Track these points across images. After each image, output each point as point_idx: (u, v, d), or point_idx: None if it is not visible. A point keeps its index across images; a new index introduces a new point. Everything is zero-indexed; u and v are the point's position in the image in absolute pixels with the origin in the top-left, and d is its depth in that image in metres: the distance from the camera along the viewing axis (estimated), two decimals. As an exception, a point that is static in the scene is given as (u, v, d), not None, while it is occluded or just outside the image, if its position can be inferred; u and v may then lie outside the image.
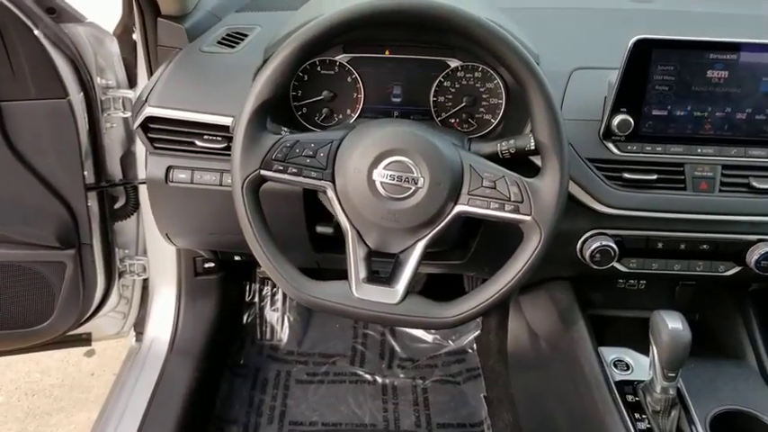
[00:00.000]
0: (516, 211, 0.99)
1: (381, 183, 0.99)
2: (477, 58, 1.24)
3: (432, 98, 1.26)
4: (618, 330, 1.37)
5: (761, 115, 1.14)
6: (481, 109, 1.27)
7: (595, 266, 1.20)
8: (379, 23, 0.97)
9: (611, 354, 1.24)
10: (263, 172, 0.99)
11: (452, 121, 1.28)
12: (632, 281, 1.40)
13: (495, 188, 0.99)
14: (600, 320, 1.37)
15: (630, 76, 1.11)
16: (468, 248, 1.33)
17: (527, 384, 1.63)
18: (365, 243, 1.03)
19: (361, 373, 2.01)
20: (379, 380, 1.99)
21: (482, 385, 1.94)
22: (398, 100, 1.28)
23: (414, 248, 1.02)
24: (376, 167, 0.99)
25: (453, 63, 1.24)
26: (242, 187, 0.99)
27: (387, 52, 1.25)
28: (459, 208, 1.00)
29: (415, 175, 0.99)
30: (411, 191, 0.99)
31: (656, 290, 1.41)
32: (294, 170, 1.00)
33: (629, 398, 1.14)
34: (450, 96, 1.26)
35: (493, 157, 1.09)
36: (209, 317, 1.87)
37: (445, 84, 1.25)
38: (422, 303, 1.02)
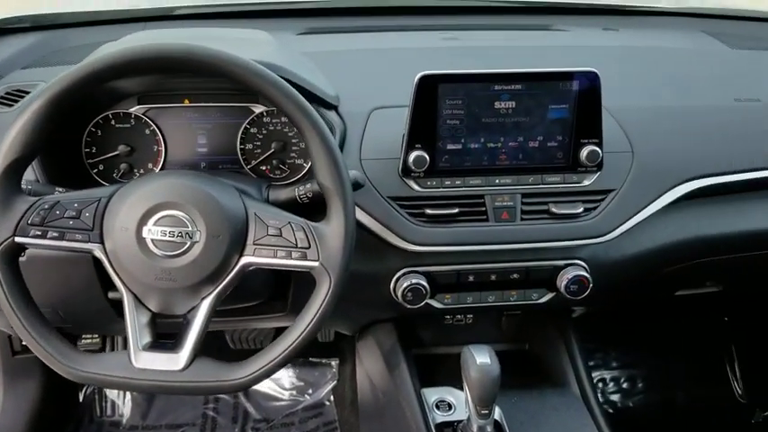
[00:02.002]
0: (304, 257, 0.94)
1: (152, 240, 0.92)
2: None
3: (239, 146, 1.21)
4: (448, 368, 1.34)
5: (552, 142, 1.15)
6: (292, 154, 1.23)
7: (409, 306, 1.17)
8: (136, 71, 0.92)
9: (433, 395, 1.21)
10: (17, 239, 0.90)
11: (263, 168, 1.23)
12: (459, 316, 1.39)
13: (281, 235, 0.95)
14: (430, 359, 1.35)
15: (420, 112, 1.11)
16: (287, 299, 1.27)
17: (374, 435, 1.57)
18: (146, 307, 0.96)
19: (211, 441, 1.89)
20: (232, 446, 1.88)
21: (339, 439, 1.87)
22: (205, 150, 1.22)
23: (199, 308, 0.95)
24: (145, 224, 0.92)
25: (257, 109, 1.20)
26: None
27: (186, 101, 1.20)
28: (245, 260, 0.95)
29: (190, 228, 0.92)
30: (186, 246, 0.92)
31: (483, 323, 1.41)
32: (55, 234, 0.91)
33: (449, 440, 1.11)
34: (259, 143, 1.22)
35: (292, 203, 1.06)
36: (34, 398, 1.71)
37: (251, 130, 1.21)
38: (210, 367, 0.95)
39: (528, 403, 1.20)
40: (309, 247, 0.94)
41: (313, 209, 1.04)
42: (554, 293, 1.22)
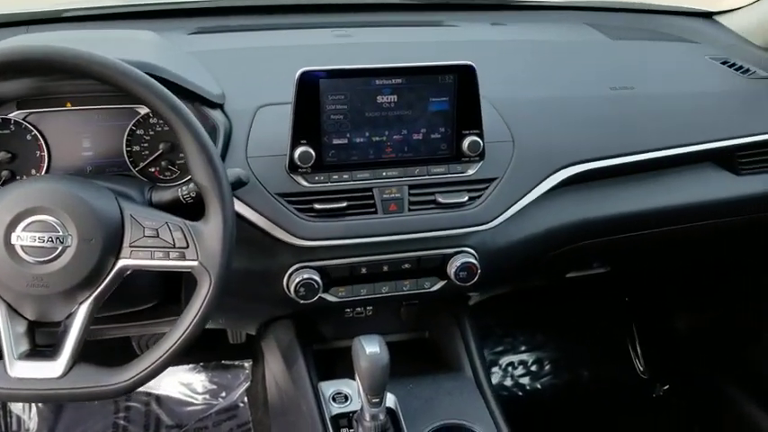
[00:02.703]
0: (182, 257, 0.94)
1: (22, 246, 0.90)
2: None
3: (125, 148, 1.19)
4: (348, 361, 1.36)
5: (435, 134, 1.18)
6: (181, 155, 1.21)
7: (302, 301, 1.18)
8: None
9: (330, 387, 1.22)
10: None
11: (152, 170, 1.21)
12: (359, 309, 1.40)
13: (157, 236, 0.94)
14: (331, 353, 1.36)
15: (303, 108, 1.11)
16: (180, 302, 1.26)
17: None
18: (21, 315, 0.94)
19: (123, 451, 1.86)
20: (144, 455, 1.85)
21: (253, 440, 1.86)
22: (90, 154, 1.19)
23: (77, 313, 0.94)
24: (14, 230, 0.90)
25: (143, 110, 1.18)
26: None
27: (68, 105, 1.17)
28: (121, 263, 0.94)
29: (61, 233, 0.91)
30: (58, 251, 0.91)
31: (383, 314, 1.42)
32: None
33: (344, 431, 1.13)
34: (146, 145, 1.20)
35: (176, 203, 1.05)
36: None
37: (138, 132, 1.19)
38: (91, 372, 0.94)
39: (423, 389, 1.23)
40: (188, 246, 0.94)
41: (198, 208, 1.03)
42: (445, 281, 1.25)
